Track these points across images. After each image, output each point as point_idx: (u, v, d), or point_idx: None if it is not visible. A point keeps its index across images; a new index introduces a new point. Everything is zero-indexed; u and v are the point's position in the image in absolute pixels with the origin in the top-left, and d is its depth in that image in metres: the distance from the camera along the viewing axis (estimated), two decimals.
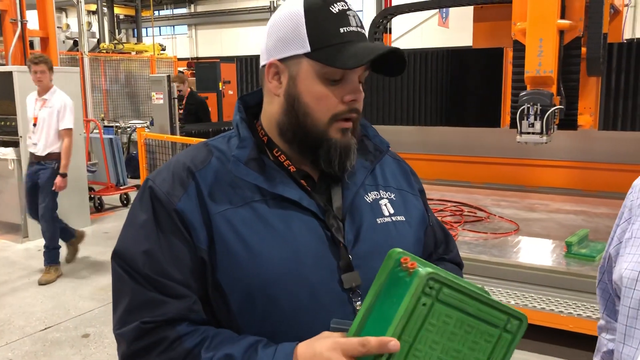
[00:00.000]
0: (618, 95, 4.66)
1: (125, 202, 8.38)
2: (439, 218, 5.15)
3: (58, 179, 5.25)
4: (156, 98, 7.70)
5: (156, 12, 25.19)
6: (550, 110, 3.93)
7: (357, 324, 0.94)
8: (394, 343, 0.87)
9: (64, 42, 12.62)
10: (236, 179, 1.11)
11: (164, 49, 17.12)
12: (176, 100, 7.74)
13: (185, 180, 1.11)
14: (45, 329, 4.31)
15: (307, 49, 1.08)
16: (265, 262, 1.07)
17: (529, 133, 4.03)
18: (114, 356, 3.89)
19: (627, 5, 6.03)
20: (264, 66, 1.15)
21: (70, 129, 5.37)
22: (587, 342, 3.38)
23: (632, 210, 1.13)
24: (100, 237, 6.75)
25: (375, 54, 1.05)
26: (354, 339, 0.91)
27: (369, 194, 1.22)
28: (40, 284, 5.20)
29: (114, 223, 7.39)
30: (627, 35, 13.36)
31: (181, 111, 7.90)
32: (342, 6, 1.10)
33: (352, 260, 1.11)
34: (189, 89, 8.16)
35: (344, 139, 1.12)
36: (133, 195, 8.24)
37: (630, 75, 4.60)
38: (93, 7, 18.74)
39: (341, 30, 1.08)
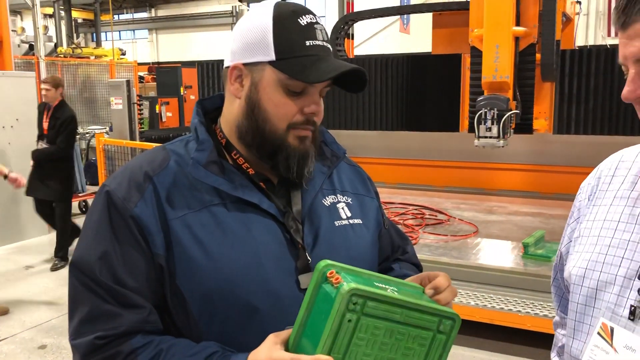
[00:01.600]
0: (571, 100, 4.80)
1: (84, 209, 8.20)
2: (401, 221, 5.23)
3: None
4: (115, 103, 7.58)
5: (116, 16, 24.78)
6: (506, 115, 4.03)
7: (292, 338, 0.94)
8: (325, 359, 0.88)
9: (19, 45, 12.30)
10: (195, 182, 1.11)
11: (124, 54, 16.84)
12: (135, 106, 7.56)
13: (142, 184, 1.10)
14: (0, 340, 4.19)
15: (272, 57, 1.09)
16: (225, 267, 1.07)
17: (486, 137, 4.12)
18: None
19: (578, 13, 6.23)
20: (227, 67, 1.16)
21: None
22: (545, 340, 3.46)
23: (580, 210, 1.17)
24: None
25: (338, 72, 1.08)
26: (286, 355, 0.92)
27: (327, 198, 1.24)
28: None
29: None
30: (579, 42, 13.78)
31: (46, 124, 5.76)
32: (311, 19, 1.11)
33: (311, 262, 1.12)
34: (59, 98, 5.77)
35: (302, 147, 1.13)
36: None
37: (582, 80, 4.75)
38: (49, 11, 18.31)
39: (307, 43, 1.09)
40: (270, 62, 1.09)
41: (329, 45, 1.14)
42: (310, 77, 1.07)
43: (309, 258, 1.13)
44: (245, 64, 1.12)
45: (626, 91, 0.94)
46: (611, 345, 0.98)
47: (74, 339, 1.07)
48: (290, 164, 1.13)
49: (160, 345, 1.04)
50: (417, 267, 1.42)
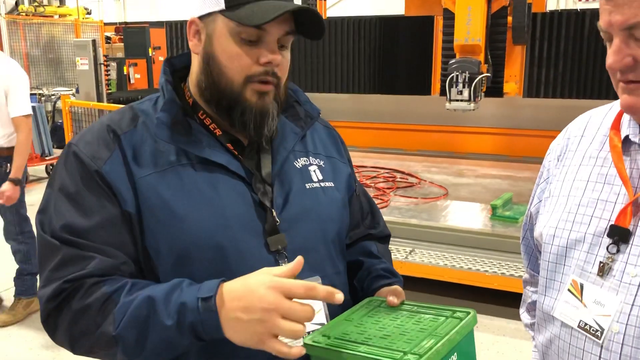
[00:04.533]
0: (541, 64, 4.84)
1: (51, 172, 8.05)
2: (373, 184, 5.24)
3: (8, 188, 3.58)
4: (81, 64, 7.38)
5: None
6: (477, 78, 4.05)
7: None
8: (340, 296, 0.92)
9: None
10: (161, 142, 1.09)
11: (89, 13, 16.29)
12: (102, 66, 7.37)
13: (111, 143, 1.09)
14: None
15: (222, 6, 1.06)
16: (191, 227, 1.06)
17: (457, 100, 4.14)
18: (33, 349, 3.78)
19: None
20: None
21: (28, 115, 3.73)
22: (512, 298, 3.56)
23: (549, 170, 1.19)
24: None
25: (281, 11, 1.02)
26: (297, 282, 0.93)
27: (299, 160, 1.22)
28: None
29: (40, 195, 7.01)
30: (550, 6, 13.81)
31: None
32: None
33: (280, 223, 1.12)
34: None
35: (260, 103, 1.10)
36: None
37: (553, 44, 4.78)
38: None
39: None
40: (221, 12, 1.06)
41: None
42: (254, 20, 1.03)
43: (277, 220, 1.12)
44: (200, 18, 1.10)
45: (612, 61, 0.90)
46: (581, 300, 1.01)
47: (42, 287, 1.05)
48: (247, 121, 1.09)
49: (127, 280, 1.03)
50: (387, 237, 1.43)
